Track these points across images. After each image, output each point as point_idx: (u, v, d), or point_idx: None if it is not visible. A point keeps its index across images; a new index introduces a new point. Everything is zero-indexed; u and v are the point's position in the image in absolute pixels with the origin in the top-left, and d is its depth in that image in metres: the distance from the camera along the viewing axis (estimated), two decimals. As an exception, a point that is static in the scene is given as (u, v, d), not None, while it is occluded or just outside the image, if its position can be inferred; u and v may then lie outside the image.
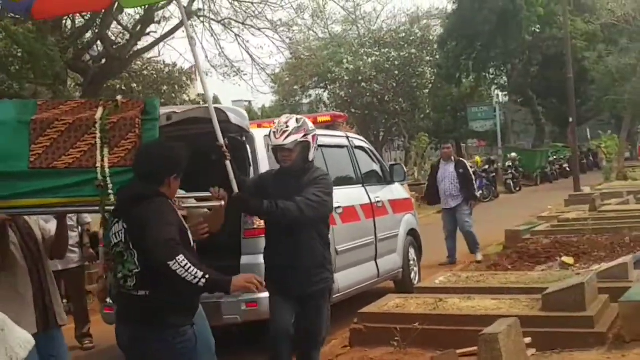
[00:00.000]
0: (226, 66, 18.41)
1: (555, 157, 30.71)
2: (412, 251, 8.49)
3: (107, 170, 3.41)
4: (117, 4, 6.41)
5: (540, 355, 4.78)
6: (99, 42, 14.69)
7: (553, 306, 5.15)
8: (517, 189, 25.07)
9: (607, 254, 7.69)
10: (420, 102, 31.51)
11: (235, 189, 4.18)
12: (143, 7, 13.50)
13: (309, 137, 4.50)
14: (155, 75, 18.67)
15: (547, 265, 7.70)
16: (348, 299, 6.82)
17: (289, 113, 10.34)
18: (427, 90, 31.64)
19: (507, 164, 25.88)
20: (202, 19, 15.89)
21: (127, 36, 15.01)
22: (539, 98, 35.79)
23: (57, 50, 11.16)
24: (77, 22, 14.28)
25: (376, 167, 8.36)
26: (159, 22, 14.83)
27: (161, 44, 15.82)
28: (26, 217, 3.74)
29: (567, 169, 28.87)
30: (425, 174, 20.77)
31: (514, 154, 26.43)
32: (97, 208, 3.50)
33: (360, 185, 7.64)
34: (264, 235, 4.87)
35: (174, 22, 15.02)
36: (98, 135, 3.44)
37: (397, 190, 8.50)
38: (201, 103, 16.78)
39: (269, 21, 16.95)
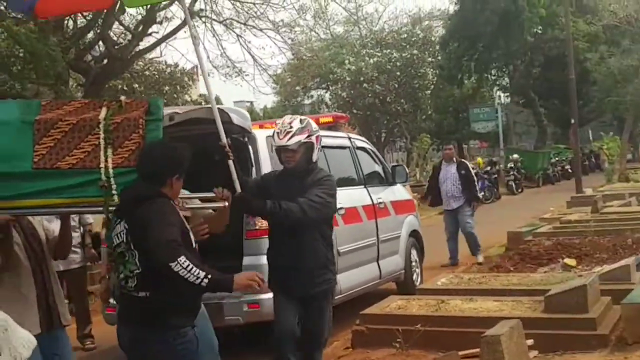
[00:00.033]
0: (228, 67, 18.39)
1: (557, 158, 30.71)
2: (414, 252, 8.48)
3: (110, 170, 3.40)
4: (119, 3, 6.41)
5: (543, 357, 4.77)
6: (100, 43, 14.69)
7: (555, 308, 5.15)
8: (519, 190, 25.07)
9: (609, 255, 7.68)
10: (422, 103, 31.47)
11: (238, 188, 4.18)
12: (145, 7, 13.49)
13: (313, 138, 4.50)
14: (157, 76, 18.68)
15: (549, 267, 7.69)
16: (350, 300, 6.81)
17: (291, 114, 10.34)
18: (428, 91, 31.62)
19: (509, 165, 25.87)
20: (204, 19, 15.89)
21: (129, 36, 15.01)
22: (541, 99, 35.79)
23: (58, 51, 11.16)
24: (78, 23, 14.28)
25: (378, 168, 8.35)
26: (160, 23, 14.84)
27: (163, 45, 15.83)
28: (30, 218, 3.73)
29: (569, 170, 28.87)
30: (427, 175, 20.78)
31: (515, 155, 26.44)
32: (100, 209, 3.49)
33: (362, 187, 7.64)
34: (266, 236, 4.87)
35: (176, 22, 15.04)
36: (102, 135, 3.44)
37: (399, 192, 8.50)
38: (203, 103, 16.78)
39: (270, 22, 16.95)
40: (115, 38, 15.36)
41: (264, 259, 4.86)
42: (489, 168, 23.62)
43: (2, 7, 11.66)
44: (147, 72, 18.32)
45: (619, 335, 4.92)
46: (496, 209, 19.36)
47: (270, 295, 4.71)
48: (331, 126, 7.77)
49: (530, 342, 4.66)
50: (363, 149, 8.12)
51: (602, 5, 30.37)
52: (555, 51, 31.11)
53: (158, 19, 14.49)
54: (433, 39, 33.76)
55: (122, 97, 3.66)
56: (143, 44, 15.13)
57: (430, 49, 32.36)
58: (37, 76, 11.78)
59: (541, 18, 30.67)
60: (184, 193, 3.77)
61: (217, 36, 17.06)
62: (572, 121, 21.22)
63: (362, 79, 28.68)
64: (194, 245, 3.42)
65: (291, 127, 4.45)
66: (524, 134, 46.31)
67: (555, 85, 31.45)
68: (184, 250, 3.10)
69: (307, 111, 32.82)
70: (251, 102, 37.34)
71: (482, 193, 19.27)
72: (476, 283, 6.74)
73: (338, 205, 5.07)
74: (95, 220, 7.30)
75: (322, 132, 5.53)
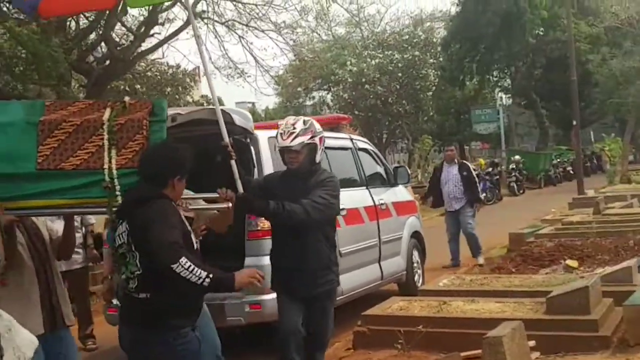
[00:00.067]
0: (230, 68, 18.43)
1: (558, 159, 30.72)
2: (415, 253, 8.48)
3: (114, 171, 3.41)
4: (122, 4, 6.42)
5: (544, 358, 4.77)
6: (103, 44, 14.70)
7: (557, 309, 5.15)
8: (521, 191, 25.08)
9: (611, 257, 7.67)
10: (424, 104, 31.43)
11: (240, 189, 4.19)
12: (147, 9, 13.53)
13: (316, 139, 4.50)
14: (159, 77, 18.67)
15: (551, 268, 7.68)
16: (351, 301, 6.81)
17: (293, 115, 10.35)
18: (430, 93, 31.57)
19: (510, 166, 25.88)
20: (206, 20, 15.91)
21: (131, 37, 15.03)
22: (543, 101, 35.77)
23: (61, 52, 11.18)
24: (81, 24, 14.30)
25: (380, 169, 8.36)
26: (162, 24, 14.86)
27: (165, 46, 15.85)
28: (33, 218, 3.74)
29: (571, 171, 28.88)
30: (428, 176, 20.77)
31: (517, 157, 26.44)
32: (104, 209, 3.50)
33: (364, 188, 7.64)
34: (268, 237, 4.87)
35: (178, 23, 15.03)
36: (105, 136, 3.44)
37: (401, 193, 8.50)
38: (205, 104, 16.79)
39: (272, 23, 16.97)
40: (117, 39, 15.38)
41: (266, 260, 4.86)
42: (490, 169, 23.64)
43: (5, 8, 11.69)
44: (149, 73, 18.32)
45: (620, 337, 4.92)
46: (498, 210, 19.35)
47: (271, 296, 4.72)
48: (333, 127, 7.77)
49: (532, 343, 4.66)
50: (365, 150, 8.12)
51: (604, 7, 30.39)
52: (557, 53, 31.10)
53: (160, 20, 14.52)
54: (435, 40, 33.72)
55: (126, 98, 3.66)
56: (145, 45, 15.16)
57: (432, 51, 32.32)
58: (39, 77, 11.80)
59: (543, 20, 30.63)
60: (188, 194, 3.78)
61: (219, 37, 17.07)
62: (574, 123, 21.23)
63: (363, 80, 28.65)
64: (195, 246, 3.42)
65: (295, 128, 4.45)
66: (526, 136, 46.30)
67: (557, 87, 31.44)
68: (185, 251, 3.11)
69: (309, 112, 32.82)
70: (253, 103, 37.32)
71: (484, 194, 19.24)
72: (478, 284, 6.73)
73: (340, 207, 5.07)
74: (97, 221, 7.31)
75: (324, 133, 5.54)
